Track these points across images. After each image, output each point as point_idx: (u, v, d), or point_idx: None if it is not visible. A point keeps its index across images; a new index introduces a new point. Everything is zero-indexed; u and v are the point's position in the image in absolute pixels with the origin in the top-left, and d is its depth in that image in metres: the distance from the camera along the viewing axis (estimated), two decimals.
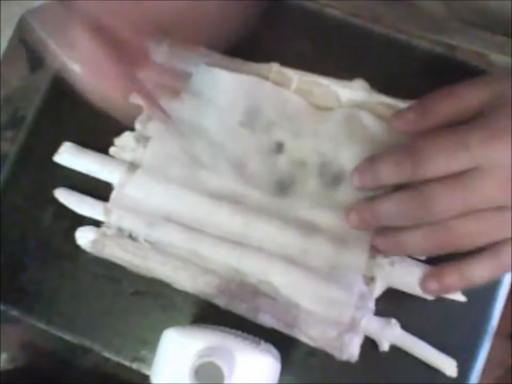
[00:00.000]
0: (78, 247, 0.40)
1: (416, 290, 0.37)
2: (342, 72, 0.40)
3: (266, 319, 0.38)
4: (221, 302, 0.38)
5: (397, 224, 0.35)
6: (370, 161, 0.36)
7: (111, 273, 0.39)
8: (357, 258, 0.37)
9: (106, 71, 0.35)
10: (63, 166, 0.41)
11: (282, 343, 0.37)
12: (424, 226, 0.34)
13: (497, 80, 0.35)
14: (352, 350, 0.37)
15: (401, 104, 0.39)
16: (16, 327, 0.41)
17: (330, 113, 0.40)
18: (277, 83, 0.41)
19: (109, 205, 0.40)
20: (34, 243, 0.40)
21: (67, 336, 0.39)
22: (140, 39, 0.36)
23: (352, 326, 0.37)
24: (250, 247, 0.38)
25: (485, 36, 0.43)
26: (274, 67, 0.41)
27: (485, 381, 0.39)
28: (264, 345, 0.34)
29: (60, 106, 0.42)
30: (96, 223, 0.40)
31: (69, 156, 0.41)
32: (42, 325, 0.39)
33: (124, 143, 0.41)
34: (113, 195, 0.40)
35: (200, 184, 0.39)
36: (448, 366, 0.37)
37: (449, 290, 0.36)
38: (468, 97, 0.35)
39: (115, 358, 0.39)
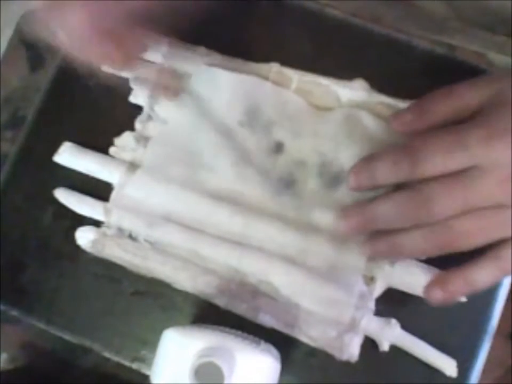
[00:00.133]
0: (78, 247, 0.40)
1: (416, 290, 0.37)
2: (342, 72, 0.40)
3: (266, 319, 0.38)
4: (221, 302, 0.38)
5: (395, 226, 0.35)
6: (367, 160, 0.36)
7: (111, 273, 0.39)
8: (356, 258, 0.37)
9: (89, 36, 0.34)
10: (63, 166, 0.41)
11: (282, 343, 0.37)
12: (423, 226, 0.34)
13: (497, 79, 0.35)
14: (352, 350, 0.37)
15: (401, 104, 0.39)
16: (16, 327, 0.41)
17: (330, 113, 0.40)
18: (277, 83, 0.41)
19: (109, 205, 0.40)
20: (34, 243, 0.40)
21: (67, 336, 0.39)
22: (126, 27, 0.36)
23: (352, 326, 0.37)
24: (250, 247, 0.38)
25: (485, 36, 0.43)
26: (274, 67, 0.41)
27: (485, 381, 0.39)
28: (264, 345, 0.34)
29: (60, 106, 0.42)
30: (96, 223, 0.40)
31: (69, 156, 0.41)
32: (42, 325, 0.39)
33: (124, 143, 0.41)
34: (113, 195, 0.40)
35: (200, 184, 0.39)
36: (448, 366, 0.37)
37: (454, 297, 0.35)
38: (466, 96, 0.35)
39: (115, 358, 0.39)
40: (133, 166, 0.40)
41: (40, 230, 0.40)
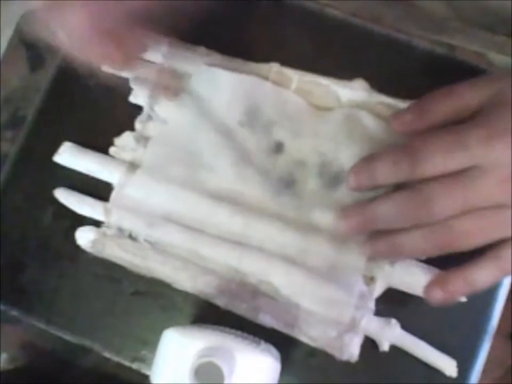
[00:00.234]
0: (78, 247, 0.40)
1: (416, 290, 0.37)
2: (342, 72, 0.40)
3: (266, 319, 0.38)
4: (221, 302, 0.38)
5: (395, 226, 0.35)
6: (367, 160, 0.36)
7: (111, 273, 0.39)
8: (356, 258, 0.37)
9: (89, 37, 0.34)
10: (63, 166, 0.41)
11: (282, 343, 0.37)
12: (423, 226, 0.34)
13: (497, 79, 0.35)
14: (352, 350, 0.37)
15: (401, 104, 0.39)
16: (16, 327, 0.41)
17: (330, 113, 0.40)
18: (277, 83, 0.41)
19: (109, 205, 0.40)
20: (34, 243, 0.40)
21: (67, 336, 0.39)
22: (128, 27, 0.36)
23: (352, 326, 0.37)
24: (250, 247, 0.38)
25: (485, 36, 0.43)
26: (274, 67, 0.41)
27: (485, 381, 0.39)
28: (264, 345, 0.34)
29: (60, 106, 0.42)
30: (96, 223, 0.40)
31: (69, 156, 0.41)
32: (42, 325, 0.39)
33: (124, 143, 0.41)
34: (113, 195, 0.40)
35: (200, 184, 0.39)
36: (448, 366, 0.37)
37: (454, 297, 0.35)
38: (466, 96, 0.35)
39: (115, 358, 0.39)
40: (133, 166, 0.40)
41: (40, 230, 0.40)
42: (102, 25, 0.34)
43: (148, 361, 0.38)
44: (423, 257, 0.37)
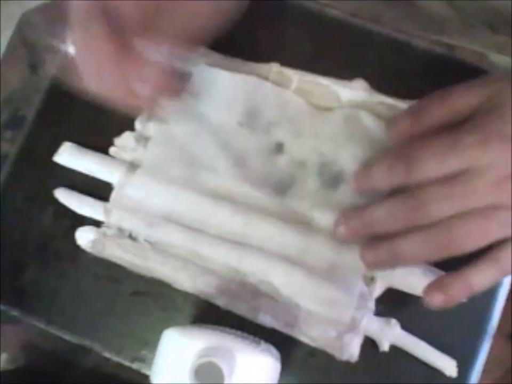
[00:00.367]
0: (78, 247, 0.40)
1: (416, 290, 0.37)
2: (342, 72, 0.40)
3: (266, 319, 0.38)
4: (221, 302, 0.38)
5: (392, 229, 0.35)
6: (366, 165, 0.36)
7: (111, 273, 0.39)
8: (357, 258, 0.37)
9: (107, 74, 0.33)
10: (63, 166, 0.41)
11: (282, 343, 0.37)
12: (420, 231, 0.34)
13: (491, 82, 0.35)
14: (352, 350, 0.37)
15: (401, 104, 0.39)
16: (16, 327, 0.41)
17: (330, 114, 0.40)
18: (277, 83, 0.41)
19: (109, 205, 0.40)
20: (34, 243, 0.40)
21: (67, 336, 0.39)
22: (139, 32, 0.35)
23: (352, 326, 0.37)
24: (250, 247, 0.38)
25: (485, 36, 0.43)
26: (274, 67, 0.41)
27: (485, 381, 0.39)
28: (264, 345, 0.34)
29: (60, 106, 0.42)
30: (96, 223, 0.40)
31: (69, 156, 0.41)
32: (42, 325, 0.39)
33: (124, 143, 0.41)
34: (113, 195, 0.40)
35: (200, 184, 0.39)
36: (448, 366, 0.37)
37: (454, 300, 0.35)
38: (461, 100, 0.35)
39: (115, 358, 0.39)
40: (133, 166, 0.40)
41: (40, 230, 0.40)
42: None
43: (148, 361, 0.38)
44: (424, 263, 0.37)
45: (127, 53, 0.33)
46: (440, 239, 0.33)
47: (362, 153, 0.38)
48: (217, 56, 0.41)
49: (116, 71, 0.33)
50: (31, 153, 0.42)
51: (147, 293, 0.39)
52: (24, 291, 0.40)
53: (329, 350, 0.37)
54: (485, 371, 0.38)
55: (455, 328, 0.38)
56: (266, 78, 0.41)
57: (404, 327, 0.37)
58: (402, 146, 0.35)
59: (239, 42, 0.42)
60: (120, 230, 0.39)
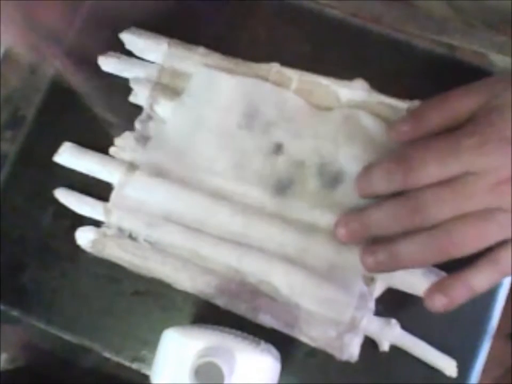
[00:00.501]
0: (78, 247, 0.40)
1: (416, 290, 0.37)
2: (342, 72, 0.40)
3: (266, 319, 0.38)
4: (221, 302, 0.38)
5: (390, 231, 0.35)
6: (366, 169, 0.36)
7: (111, 273, 0.39)
8: (357, 258, 0.37)
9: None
10: (63, 166, 0.41)
11: (282, 343, 0.37)
12: (420, 233, 0.34)
13: (491, 84, 0.35)
14: (352, 350, 0.37)
15: (401, 104, 0.39)
16: (16, 327, 0.41)
17: (330, 114, 0.40)
18: (277, 83, 0.41)
19: (109, 205, 0.40)
20: (34, 243, 0.40)
21: (67, 336, 0.39)
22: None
23: (352, 326, 0.37)
24: (250, 247, 0.38)
25: (485, 36, 0.43)
26: (274, 67, 0.41)
27: (485, 380, 0.39)
28: (264, 345, 0.34)
29: (60, 106, 0.42)
30: (96, 223, 0.40)
31: (69, 156, 0.41)
32: (42, 325, 0.39)
33: (123, 143, 0.41)
34: (113, 195, 0.40)
35: (200, 185, 0.39)
36: (448, 366, 0.37)
37: (455, 303, 0.35)
38: (460, 104, 0.35)
39: (115, 358, 0.39)
40: (132, 166, 0.40)
41: (40, 230, 0.40)
42: None
43: (148, 361, 0.38)
44: (423, 266, 0.37)
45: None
46: (439, 241, 0.33)
47: (362, 153, 0.38)
48: (217, 56, 0.41)
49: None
50: (31, 153, 0.42)
51: (147, 293, 0.39)
52: (24, 291, 0.40)
53: (329, 350, 0.37)
54: (485, 371, 0.38)
55: (455, 328, 0.38)
56: (266, 78, 0.41)
57: (404, 327, 0.37)
58: (401, 150, 0.36)
59: (239, 42, 0.42)
60: (120, 230, 0.39)
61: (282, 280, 0.37)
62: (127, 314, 0.39)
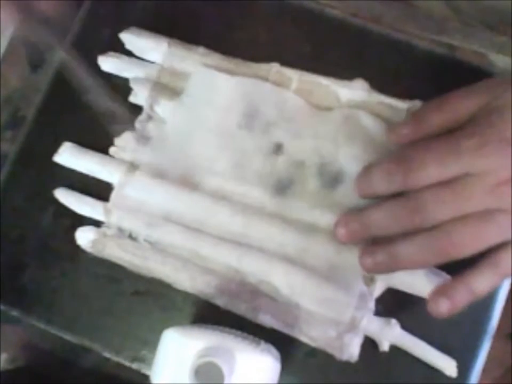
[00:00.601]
0: (78, 247, 0.40)
1: (416, 290, 0.37)
2: (342, 72, 0.40)
3: (266, 319, 0.38)
4: (221, 302, 0.38)
5: (390, 232, 0.35)
6: (366, 170, 0.36)
7: (111, 273, 0.39)
8: (356, 258, 0.37)
9: None
10: (63, 166, 0.41)
11: (282, 343, 0.37)
12: (419, 234, 0.34)
13: (491, 86, 0.35)
14: (352, 350, 0.37)
15: (401, 104, 0.39)
16: (16, 327, 0.41)
17: (330, 114, 0.40)
18: (276, 83, 0.41)
19: (109, 205, 0.40)
20: (34, 243, 0.40)
21: (67, 336, 0.39)
22: None
23: (352, 326, 0.37)
24: (250, 247, 0.38)
25: (485, 36, 0.43)
26: (274, 67, 0.41)
27: (485, 380, 0.39)
28: (264, 345, 0.34)
29: (60, 106, 0.42)
30: (96, 223, 0.40)
31: (69, 156, 0.41)
32: (42, 325, 0.39)
33: (123, 143, 0.41)
34: (113, 195, 0.40)
35: (200, 185, 0.39)
36: (448, 366, 0.37)
37: (459, 307, 0.34)
38: (460, 106, 0.35)
39: (115, 358, 0.39)
40: (133, 166, 0.40)
41: (40, 230, 0.40)
42: None
43: (148, 361, 0.38)
44: (423, 268, 0.37)
45: None
46: (439, 242, 0.33)
47: (362, 153, 0.38)
48: (216, 56, 0.41)
49: None
50: (31, 153, 0.42)
51: (147, 293, 0.39)
52: (24, 291, 0.40)
53: (329, 350, 0.37)
54: (485, 371, 0.38)
55: (455, 328, 0.38)
56: (266, 78, 0.41)
57: (404, 327, 0.37)
58: (401, 151, 0.36)
59: (239, 42, 0.42)
60: (120, 230, 0.39)
61: (282, 280, 0.37)
62: (127, 314, 0.39)
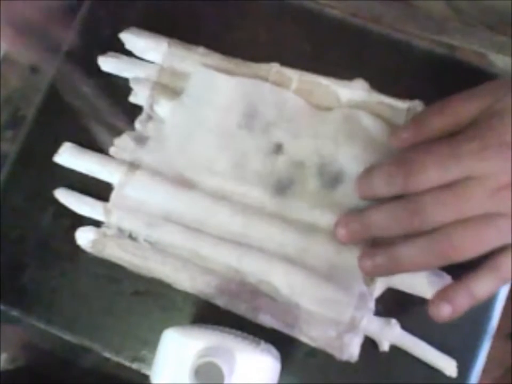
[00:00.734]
0: (78, 247, 0.40)
1: (416, 290, 0.37)
2: (342, 72, 0.40)
3: (266, 319, 0.38)
4: (221, 302, 0.38)
5: (390, 233, 0.35)
6: (366, 172, 0.36)
7: (111, 273, 0.39)
8: (356, 258, 0.37)
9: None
10: (63, 166, 0.41)
11: (282, 343, 0.37)
12: (419, 237, 0.34)
13: (492, 89, 0.35)
14: (352, 350, 0.37)
15: (401, 104, 0.39)
16: (16, 327, 0.41)
17: (329, 114, 0.40)
18: (276, 83, 0.41)
19: (109, 205, 0.40)
20: (34, 243, 0.40)
21: (67, 336, 0.39)
22: None
23: (352, 326, 0.37)
24: (250, 247, 0.38)
25: (485, 36, 0.43)
26: (274, 67, 0.41)
27: (485, 380, 0.39)
28: (264, 345, 0.34)
29: (60, 106, 0.42)
30: (96, 223, 0.40)
31: (69, 156, 0.41)
32: (42, 325, 0.39)
33: (123, 143, 0.41)
34: (113, 195, 0.40)
35: (200, 185, 0.39)
36: (448, 366, 0.37)
37: (460, 311, 0.34)
38: (461, 109, 0.35)
39: (115, 358, 0.39)
40: (133, 166, 0.40)
41: (40, 230, 0.40)
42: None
43: (148, 361, 0.38)
44: (423, 270, 0.37)
45: None
46: (439, 245, 0.33)
47: (362, 154, 0.38)
48: (216, 56, 0.41)
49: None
50: (31, 153, 0.42)
51: (147, 293, 0.39)
52: (24, 291, 0.40)
53: (329, 350, 0.37)
54: (485, 371, 0.38)
55: (455, 328, 0.38)
56: (266, 78, 0.41)
57: (404, 327, 0.37)
58: (402, 153, 0.36)
59: (239, 42, 0.42)
60: (120, 230, 0.39)
61: (282, 280, 0.37)
62: (127, 314, 0.39)
